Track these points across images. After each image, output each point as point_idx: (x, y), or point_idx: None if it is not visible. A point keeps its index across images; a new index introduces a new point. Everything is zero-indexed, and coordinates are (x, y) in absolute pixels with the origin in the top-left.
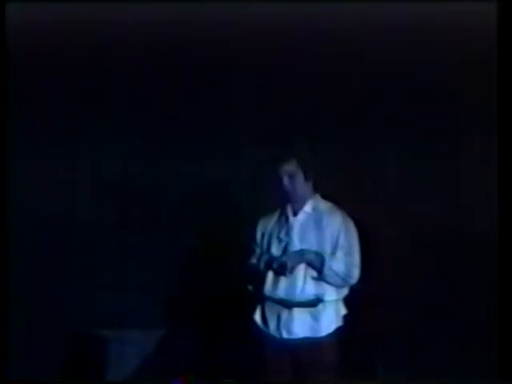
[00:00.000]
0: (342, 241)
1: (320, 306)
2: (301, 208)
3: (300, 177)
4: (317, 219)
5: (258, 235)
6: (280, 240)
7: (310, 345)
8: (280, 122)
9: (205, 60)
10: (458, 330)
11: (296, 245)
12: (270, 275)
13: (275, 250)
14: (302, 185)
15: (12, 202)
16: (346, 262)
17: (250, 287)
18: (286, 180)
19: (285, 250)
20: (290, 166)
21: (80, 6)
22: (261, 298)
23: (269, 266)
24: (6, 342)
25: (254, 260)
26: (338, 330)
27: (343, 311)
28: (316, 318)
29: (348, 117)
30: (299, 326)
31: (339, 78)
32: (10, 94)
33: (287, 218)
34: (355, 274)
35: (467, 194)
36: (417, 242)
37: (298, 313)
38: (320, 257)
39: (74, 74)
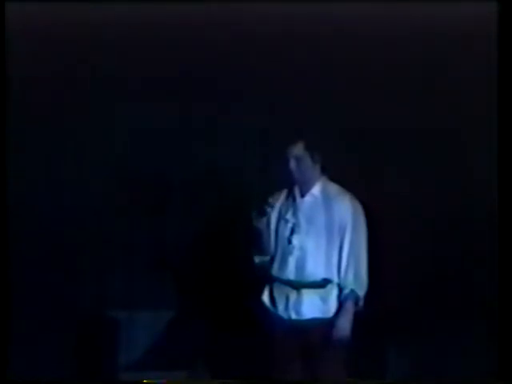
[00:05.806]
0: (349, 234)
1: (328, 286)
2: (308, 190)
3: (307, 160)
4: (325, 202)
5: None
6: (287, 221)
7: (319, 325)
8: (288, 105)
9: (211, 48)
10: (459, 329)
11: (303, 227)
12: (279, 256)
13: (282, 230)
14: (308, 168)
15: (15, 187)
16: (357, 274)
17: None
18: (292, 163)
19: (292, 232)
20: (296, 149)
21: (80, 6)
22: (269, 279)
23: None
24: (11, 331)
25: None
26: None
27: None
28: (324, 299)
29: (353, 104)
30: (308, 306)
31: (341, 67)
32: (10, 94)
33: (294, 199)
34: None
35: (468, 190)
36: (419, 240)
37: (306, 294)
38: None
39: (74, 73)
